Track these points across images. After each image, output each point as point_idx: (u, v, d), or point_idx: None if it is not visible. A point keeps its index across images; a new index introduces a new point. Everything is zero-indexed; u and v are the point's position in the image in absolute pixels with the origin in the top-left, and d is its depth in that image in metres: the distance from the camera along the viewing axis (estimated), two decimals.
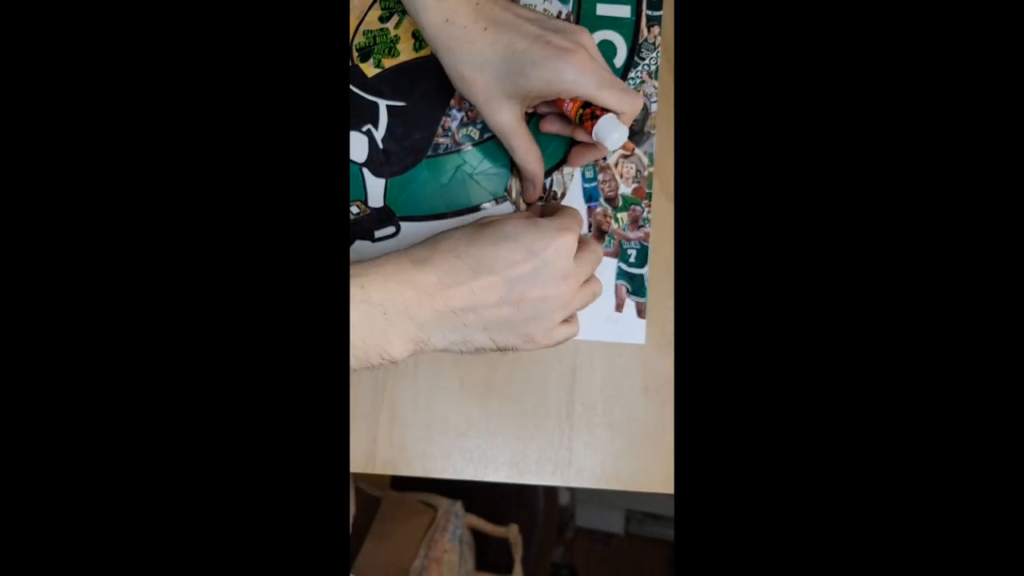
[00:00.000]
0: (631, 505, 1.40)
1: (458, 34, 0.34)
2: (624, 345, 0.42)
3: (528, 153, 0.37)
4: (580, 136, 0.38)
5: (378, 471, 0.41)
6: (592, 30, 0.41)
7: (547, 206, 0.40)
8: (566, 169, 0.42)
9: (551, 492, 1.24)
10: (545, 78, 0.33)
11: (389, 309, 0.31)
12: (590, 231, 0.42)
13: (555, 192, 0.42)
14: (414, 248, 0.33)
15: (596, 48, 0.35)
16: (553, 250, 0.32)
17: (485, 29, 0.34)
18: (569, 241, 0.33)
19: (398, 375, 0.42)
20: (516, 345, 0.34)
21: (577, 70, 0.33)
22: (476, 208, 0.41)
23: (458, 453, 0.42)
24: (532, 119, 0.41)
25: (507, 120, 0.36)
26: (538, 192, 0.40)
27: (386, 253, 0.33)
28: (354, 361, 0.31)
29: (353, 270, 0.31)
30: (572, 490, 1.51)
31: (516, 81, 0.34)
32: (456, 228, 0.34)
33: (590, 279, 0.35)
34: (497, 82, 0.35)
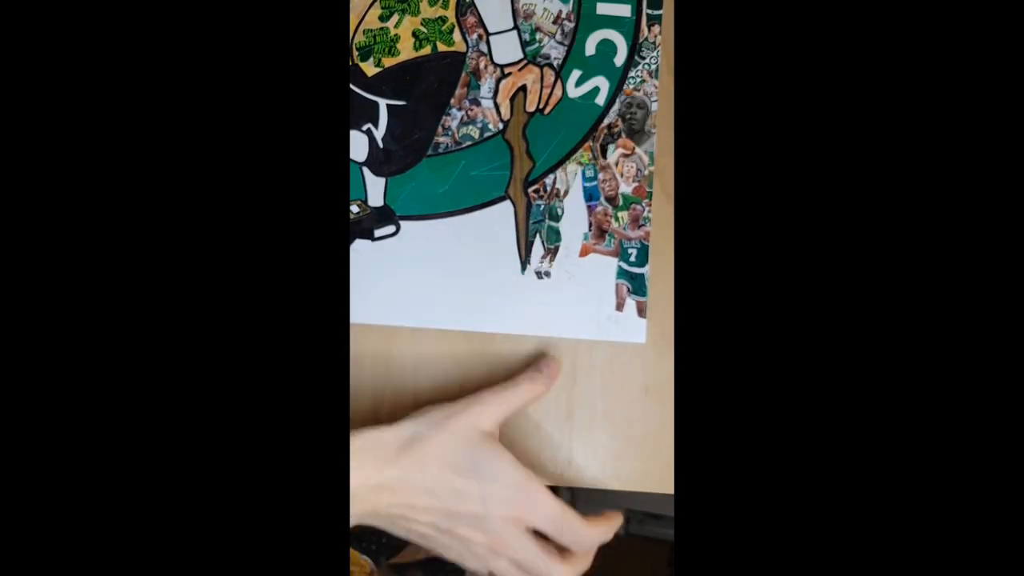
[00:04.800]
0: (631, 505, 1.39)
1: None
2: (624, 344, 0.41)
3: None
4: None
5: None
6: (593, 29, 0.41)
7: (546, 359, 0.39)
8: (570, 168, 0.42)
9: (551, 492, 1.22)
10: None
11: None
12: (590, 230, 0.42)
13: (558, 190, 0.42)
14: (389, 431, 0.32)
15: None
16: (505, 511, 0.32)
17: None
18: (530, 518, 0.32)
19: (398, 381, 0.41)
20: (445, 556, 0.34)
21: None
22: (477, 207, 0.41)
23: None
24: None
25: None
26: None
27: (383, 430, 0.32)
28: None
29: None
30: (572, 490, 1.49)
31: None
32: (450, 419, 0.33)
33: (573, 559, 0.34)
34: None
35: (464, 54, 0.41)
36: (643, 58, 0.42)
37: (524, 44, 0.41)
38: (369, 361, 0.41)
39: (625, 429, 0.42)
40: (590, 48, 0.42)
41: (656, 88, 0.42)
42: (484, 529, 0.32)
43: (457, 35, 0.41)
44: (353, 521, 0.32)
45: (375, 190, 0.41)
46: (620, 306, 0.41)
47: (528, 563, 0.33)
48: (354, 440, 0.31)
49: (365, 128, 0.41)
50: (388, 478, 0.31)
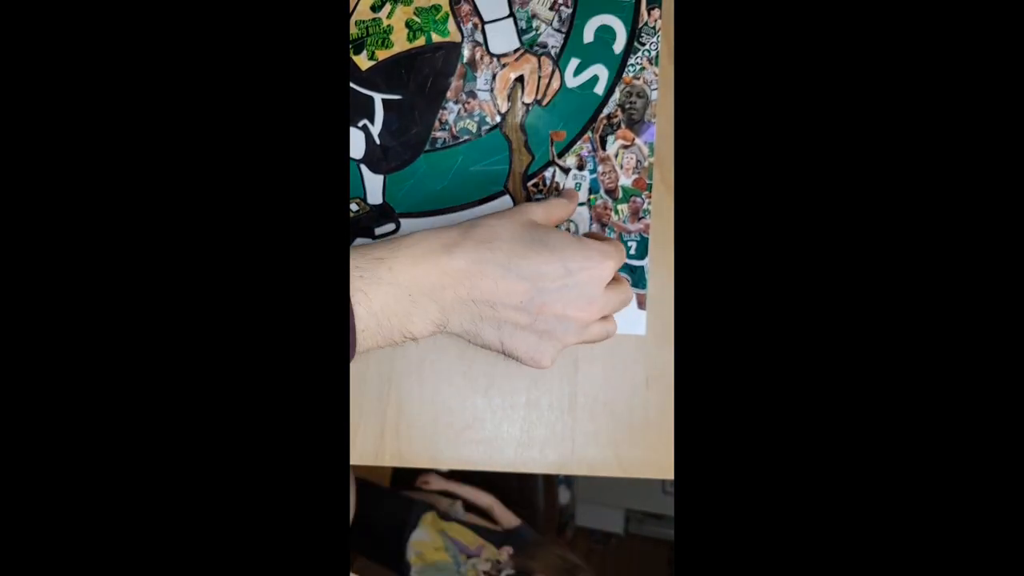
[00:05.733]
0: (631, 505, 1.40)
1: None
2: (625, 336, 0.42)
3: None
4: None
5: (386, 463, 0.41)
6: (592, 14, 0.40)
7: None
8: (576, 172, 0.41)
9: (551, 491, 1.24)
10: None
11: (415, 291, 0.31)
12: (591, 225, 0.42)
13: (556, 184, 0.41)
14: (447, 230, 0.33)
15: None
16: (588, 274, 0.32)
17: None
18: (607, 270, 0.32)
19: (404, 370, 0.41)
20: (520, 355, 0.34)
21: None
22: (476, 203, 0.41)
23: (463, 444, 0.42)
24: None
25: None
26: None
27: (419, 231, 0.33)
28: (379, 339, 0.31)
29: (382, 251, 0.31)
30: (572, 489, 1.51)
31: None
32: (496, 216, 0.33)
33: (608, 316, 0.35)
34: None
35: (459, 44, 0.41)
36: (642, 44, 0.41)
37: (520, 32, 0.40)
38: (374, 355, 0.41)
39: (626, 419, 0.42)
40: (588, 35, 0.41)
41: (656, 76, 0.41)
42: (576, 299, 0.32)
43: (452, 24, 0.41)
44: (440, 319, 0.32)
45: (374, 187, 0.41)
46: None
47: (618, 305, 0.34)
48: (417, 237, 0.32)
49: (361, 124, 0.41)
50: (463, 262, 0.31)
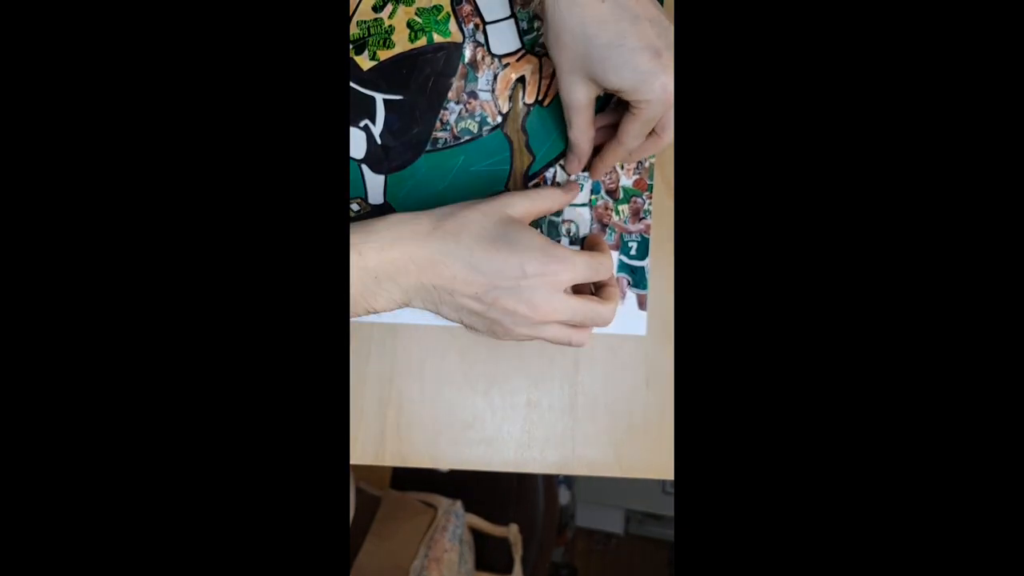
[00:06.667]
0: (631, 505, 1.41)
1: None
2: (626, 337, 0.42)
3: (584, 132, 0.38)
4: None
5: (387, 463, 0.41)
6: None
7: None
8: (583, 174, 0.41)
9: (551, 492, 1.24)
10: (636, 87, 0.33)
11: (380, 275, 0.33)
12: (591, 225, 0.42)
13: (558, 184, 0.41)
14: (420, 217, 0.34)
15: None
16: (542, 280, 0.33)
17: (603, 1, 0.33)
18: (563, 276, 0.33)
19: (405, 371, 0.42)
20: (481, 331, 0.35)
21: (666, 94, 0.33)
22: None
23: (464, 445, 0.42)
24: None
25: (580, 98, 0.36)
26: (581, 167, 0.40)
27: (394, 215, 0.34)
28: None
29: (355, 234, 0.33)
30: (572, 490, 1.51)
31: (607, 73, 0.33)
32: (471, 207, 0.34)
33: (580, 326, 0.35)
34: (588, 61, 0.34)
35: (461, 45, 0.41)
36: None
37: (522, 33, 0.40)
38: (375, 356, 0.41)
39: (627, 419, 0.42)
40: None
41: None
42: (527, 299, 0.33)
43: (453, 25, 0.41)
44: (403, 299, 0.34)
45: (375, 187, 0.41)
46: (621, 299, 0.41)
47: (577, 317, 0.35)
48: (390, 223, 0.34)
49: (363, 124, 0.41)
50: (428, 251, 0.33)
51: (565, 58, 0.34)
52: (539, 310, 0.33)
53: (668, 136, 0.36)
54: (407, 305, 0.35)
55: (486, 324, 0.34)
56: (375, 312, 0.35)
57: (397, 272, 0.33)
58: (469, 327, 0.36)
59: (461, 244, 0.33)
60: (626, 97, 0.34)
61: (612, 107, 0.40)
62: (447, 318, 0.35)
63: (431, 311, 0.35)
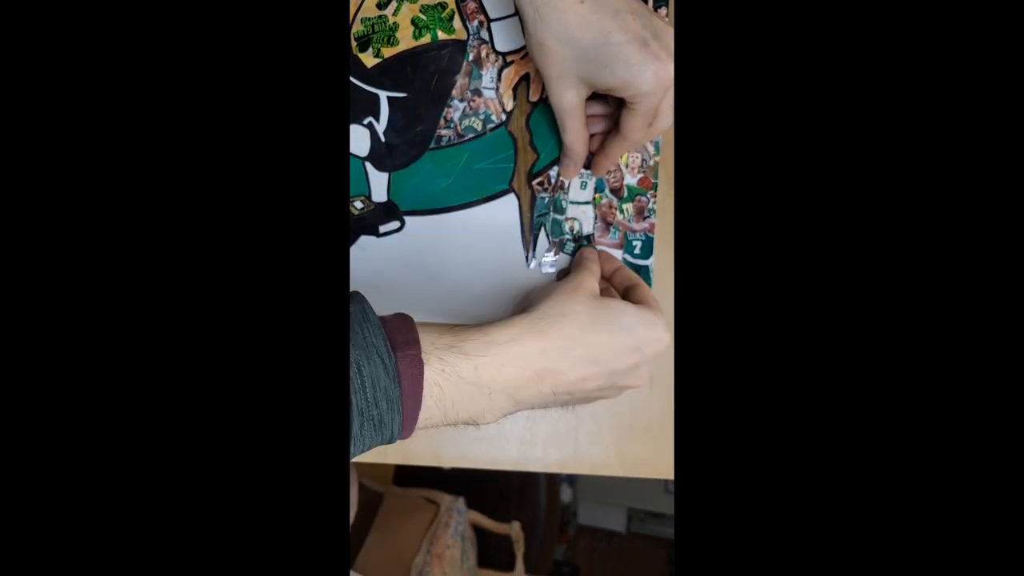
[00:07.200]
0: (633, 503, 1.41)
1: (552, 0, 0.32)
2: None
3: (578, 135, 0.37)
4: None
5: (389, 461, 0.41)
6: None
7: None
8: (582, 170, 0.41)
9: (553, 489, 1.24)
10: (629, 82, 0.33)
11: (495, 390, 0.30)
12: (595, 224, 0.41)
13: (562, 183, 0.41)
14: (537, 319, 0.32)
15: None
16: (655, 350, 0.33)
17: (582, 3, 0.32)
18: (669, 342, 0.34)
19: None
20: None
21: (659, 81, 0.32)
22: (481, 201, 0.41)
23: (466, 443, 0.42)
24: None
25: (571, 101, 0.35)
26: (577, 171, 0.40)
27: (511, 321, 0.31)
28: (440, 419, 0.30)
29: (468, 343, 0.30)
30: (574, 488, 1.51)
31: (599, 72, 0.33)
32: (561, 292, 0.33)
33: None
34: (576, 62, 0.33)
35: (465, 42, 0.41)
36: None
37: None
38: None
39: (629, 419, 0.42)
40: None
41: None
42: (644, 372, 0.34)
43: (457, 22, 0.41)
44: (512, 410, 0.32)
45: (378, 185, 0.41)
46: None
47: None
48: (500, 339, 0.31)
49: (366, 122, 0.41)
50: (547, 364, 0.31)
51: (552, 64, 0.34)
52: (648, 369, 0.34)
53: (667, 120, 0.35)
54: (512, 413, 0.33)
55: (591, 400, 0.35)
56: (474, 424, 0.32)
57: (516, 388, 0.31)
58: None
59: (579, 347, 0.31)
60: (622, 95, 0.34)
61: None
62: (554, 406, 0.34)
63: (543, 406, 0.33)
